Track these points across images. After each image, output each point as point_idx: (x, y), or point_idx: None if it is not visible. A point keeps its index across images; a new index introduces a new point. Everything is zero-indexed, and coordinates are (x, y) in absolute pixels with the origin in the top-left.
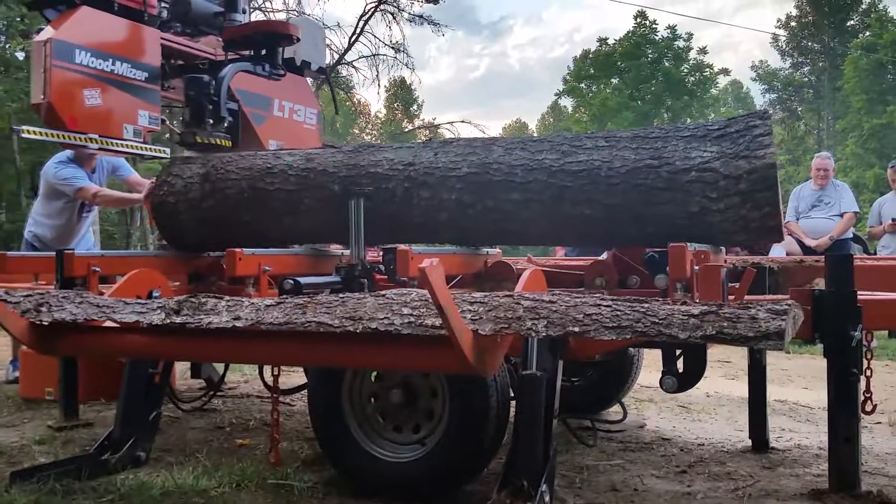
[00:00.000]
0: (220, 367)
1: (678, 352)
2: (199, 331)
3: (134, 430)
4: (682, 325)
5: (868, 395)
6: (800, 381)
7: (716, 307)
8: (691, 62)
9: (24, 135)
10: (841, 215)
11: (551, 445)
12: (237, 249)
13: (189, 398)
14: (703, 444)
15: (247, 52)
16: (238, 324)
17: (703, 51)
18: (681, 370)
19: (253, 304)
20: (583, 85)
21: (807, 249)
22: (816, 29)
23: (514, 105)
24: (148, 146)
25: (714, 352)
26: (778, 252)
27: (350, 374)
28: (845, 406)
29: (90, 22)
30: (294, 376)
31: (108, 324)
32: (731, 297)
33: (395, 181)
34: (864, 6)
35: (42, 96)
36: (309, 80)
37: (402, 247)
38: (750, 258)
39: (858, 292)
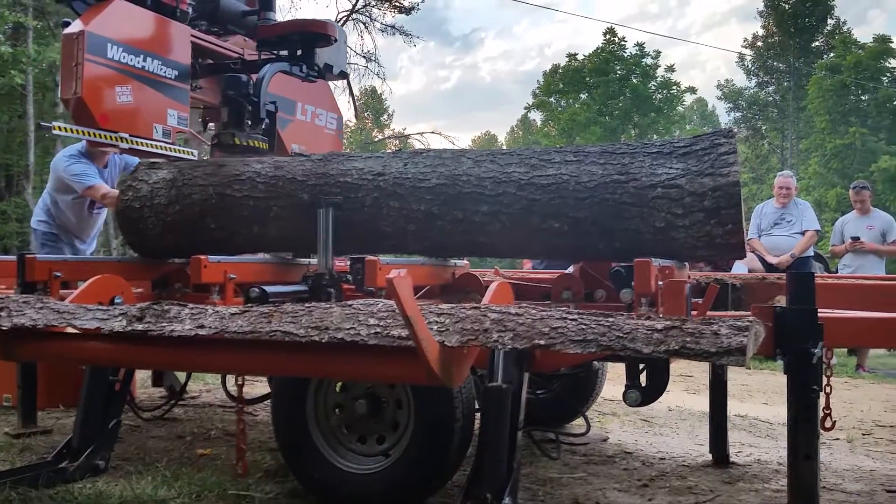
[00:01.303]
0: (181, 375)
1: (641, 366)
2: (161, 338)
3: (93, 438)
4: (646, 340)
5: (827, 412)
6: (760, 396)
7: (679, 322)
8: (659, 79)
9: (54, 131)
10: (802, 233)
11: (515, 458)
12: (202, 256)
13: (150, 406)
14: (665, 458)
15: (280, 53)
16: (201, 332)
17: (670, 68)
18: (644, 384)
19: (217, 312)
20: (552, 99)
21: (769, 266)
22: (782, 49)
23: (484, 117)
24: (176, 147)
25: (676, 366)
26: (740, 268)
27: (315, 385)
28: (805, 423)
29: (123, 16)
30: (257, 385)
31: (69, 330)
32: (695, 313)
33: (364, 191)
34: (829, 28)
35: (73, 91)
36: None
37: (370, 257)
38: (713, 274)
39: (819, 310)
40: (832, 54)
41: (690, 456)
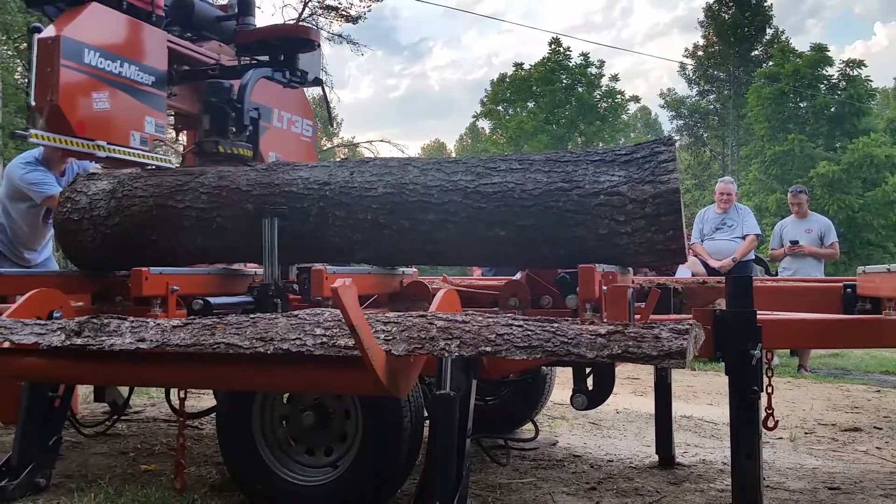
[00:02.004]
0: (124, 389)
1: (588, 370)
2: (101, 353)
3: (33, 455)
4: (590, 345)
5: (769, 412)
6: (705, 397)
7: (622, 327)
8: (603, 88)
9: (31, 139)
10: (743, 237)
11: (465, 465)
12: (143, 268)
13: (92, 422)
14: (613, 461)
15: (259, 58)
16: (142, 346)
17: (615, 78)
18: (591, 388)
19: (158, 325)
20: (500, 108)
21: (711, 270)
22: (722, 58)
23: (433, 125)
24: (154, 155)
25: (624, 369)
26: (683, 273)
27: (261, 397)
28: (747, 423)
29: (99, 20)
30: (205, 398)
31: (6, 345)
32: (637, 317)
33: (309, 200)
34: (767, 37)
35: (48, 97)
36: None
37: (316, 266)
38: (656, 279)
39: (758, 312)
40: (771, 63)
41: (637, 457)
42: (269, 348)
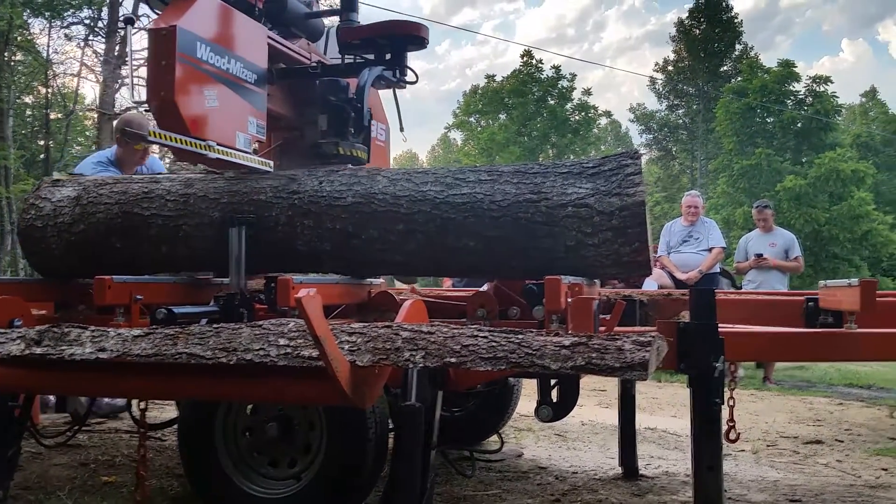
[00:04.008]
0: (87, 399)
1: (553, 382)
2: (61, 362)
3: None
4: (554, 356)
5: (731, 424)
6: (669, 408)
7: (586, 339)
8: (575, 101)
9: (150, 137)
10: (709, 250)
11: (429, 477)
12: (106, 277)
13: (52, 433)
14: (577, 473)
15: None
16: (102, 355)
17: (587, 91)
18: (555, 400)
19: (120, 334)
20: (472, 119)
21: (678, 283)
22: (692, 73)
23: (405, 135)
24: (256, 158)
25: (590, 380)
26: (651, 285)
27: (224, 408)
28: (708, 435)
29: (211, 12)
30: (169, 409)
31: None
32: (603, 329)
33: (278, 209)
34: (737, 53)
35: (161, 92)
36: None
37: (283, 276)
38: (622, 291)
39: (720, 325)
40: (739, 78)
41: (602, 469)
42: (231, 359)
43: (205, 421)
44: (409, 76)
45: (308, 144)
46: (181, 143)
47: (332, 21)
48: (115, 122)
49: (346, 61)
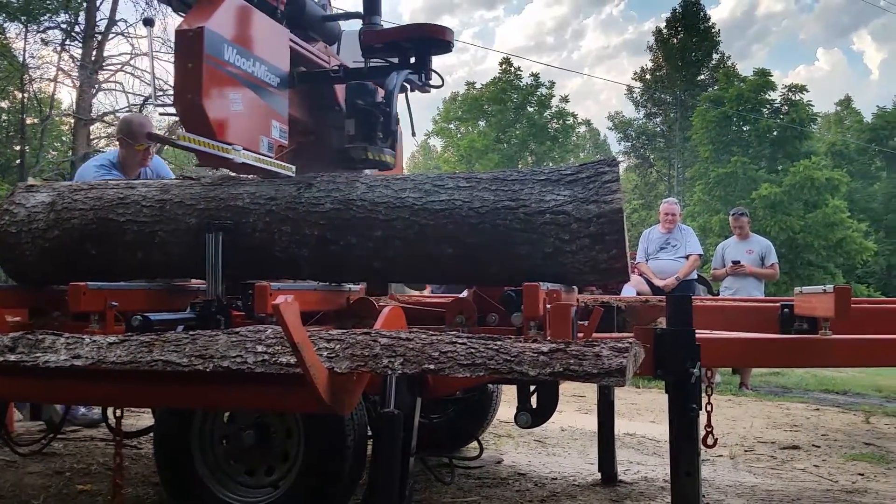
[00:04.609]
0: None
1: (532, 388)
2: (35, 369)
3: None
4: (533, 363)
5: (709, 430)
6: (648, 414)
7: (564, 345)
8: (554, 109)
9: (180, 141)
10: (686, 257)
11: (408, 484)
12: (81, 283)
13: (27, 441)
14: (557, 479)
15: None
16: (77, 363)
17: (564, 99)
18: (534, 406)
19: (95, 341)
20: (452, 126)
21: (656, 289)
22: (669, 82)
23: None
24: (280, 163)
25: (570, 386)
26: (629, 291)
27: (200, 415)
28: (686, 440)
29: (236, 13)
30: (145, 417)
31: None
32: (581, 335)
33: (255, 215)
34: (714, 62)
35: (188, 95)
36: None
37: (260, 282)
38: (600, 297)
39: (697, 331)
40: (716, 87)
41: (581, 475)
42: (208, 366)
43: (181, 428)
44: (435, 80)
45: (326, 148)
46: (207, 146)
47: (345, 24)
48: (117, 124)
49: (370, 65)
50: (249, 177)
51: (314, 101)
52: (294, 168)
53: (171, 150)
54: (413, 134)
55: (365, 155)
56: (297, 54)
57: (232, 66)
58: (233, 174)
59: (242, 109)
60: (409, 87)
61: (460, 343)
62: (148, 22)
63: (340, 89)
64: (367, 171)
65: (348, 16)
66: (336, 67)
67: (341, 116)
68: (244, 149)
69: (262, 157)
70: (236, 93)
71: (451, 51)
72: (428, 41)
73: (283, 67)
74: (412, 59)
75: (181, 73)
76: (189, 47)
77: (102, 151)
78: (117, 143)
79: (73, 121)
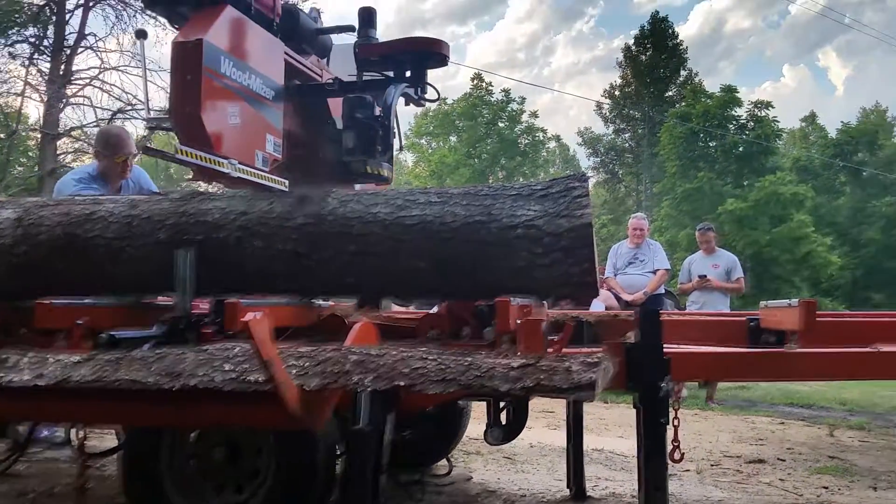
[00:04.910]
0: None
1: (502, 404)
2: None
3: None
4: (504, 378)
5: (676, 444)
6: (616, 429)
7: (534, 360)
8: (524, 125)
9: (178, 155)
10: (654, 272)
11: (379, 501)
12: (47, 300)
13: None
14: (526, 495)
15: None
16: (40, 382)
17: (534, 114)
18: (504, 422)
19: (59, 360)
20: (423, 141)
21: (625, 303)
22: (637, 98)
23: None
24: (274, 178)
25: (539, 402)
26: (598, 306)
27: (169, 434)
28: (655, 455)
29: (234, 26)
30: (109, 438)
31: None
32: (552, 350)
33: (226, 230)
34: (681, 78)
35: (186, 108)
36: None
37: (230, 299)
38: (570, 312)
39: (666, 345)
40: (683, 103)
41: (550, 492)
42: (175, 385)
43: (148, 447)
44: (430, 93)
45: (318, 162)
46: (204, 160)
47: (336, 38)
48: (96, 134)
49: (366, 78)
50: (219, 191)
51: (305, 114)
52: (287, 182)
53: (147, 161)
54: (401, 148)
55: (364, 168)
56: (292, 67)
57: (229, 78)
58: (205, 189)
59: (239, 122)
60: (404, 100)
61: (431, 359)
62: (140, 34)
63: (333, 102)
64: (358, 186)
65: (341, 29)
66: (331, 80)
67: (334, 130)
68: (239, 163)
69: (256, 171)
70: (234, 106)
71: (446, 64)
72: (424, 55)
73: (278, 80)
74: (407, 73)
75: (179, 85)
76: (187, 59)
77: (69, 167)
78: (94, 156)
79: (39, 136)
